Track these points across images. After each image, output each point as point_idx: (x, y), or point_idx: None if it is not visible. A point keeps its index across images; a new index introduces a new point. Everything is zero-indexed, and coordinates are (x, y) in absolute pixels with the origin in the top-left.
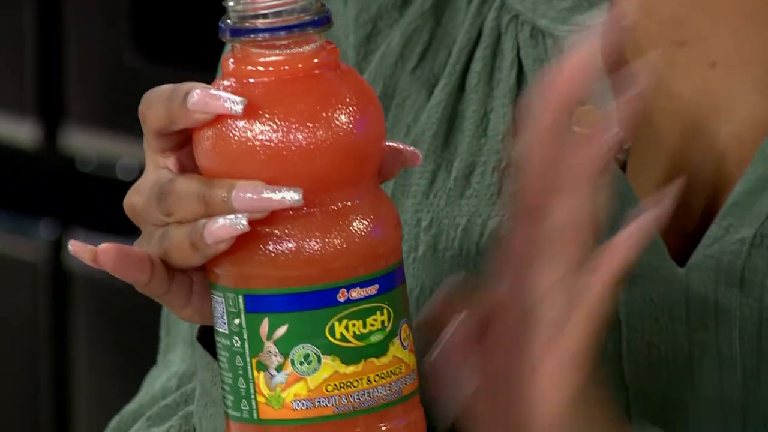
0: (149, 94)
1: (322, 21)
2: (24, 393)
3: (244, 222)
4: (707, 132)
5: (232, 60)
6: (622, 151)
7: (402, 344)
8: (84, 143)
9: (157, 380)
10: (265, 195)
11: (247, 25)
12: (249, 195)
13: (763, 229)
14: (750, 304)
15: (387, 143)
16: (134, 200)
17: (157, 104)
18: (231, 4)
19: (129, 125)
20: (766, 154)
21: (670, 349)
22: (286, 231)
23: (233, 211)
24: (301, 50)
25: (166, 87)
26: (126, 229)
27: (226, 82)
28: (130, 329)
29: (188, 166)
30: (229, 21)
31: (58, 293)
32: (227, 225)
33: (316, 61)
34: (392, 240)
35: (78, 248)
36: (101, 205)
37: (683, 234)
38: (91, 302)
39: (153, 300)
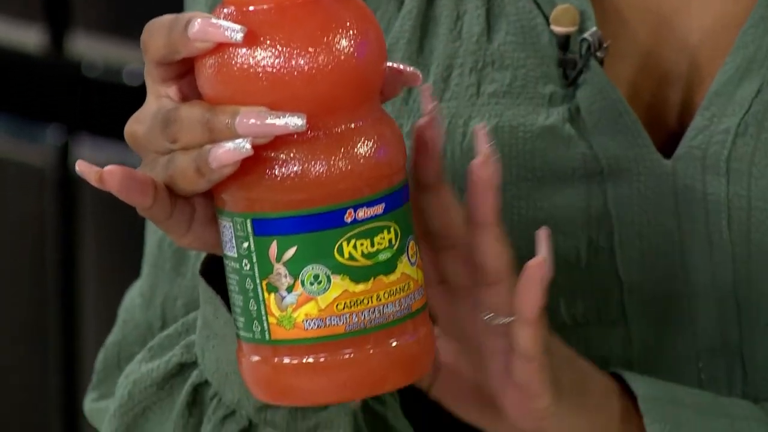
0: (150, 24)
1: None
2: (31, 297)
3: (248, 146)
4: (678, 27)
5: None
6: (602, 48)
7: (410, 261)
8: (90, 49)
9: (136, 309)
10: (269, 120)
11: None
12: (253, 121)
13: (747, 118)
14: (737, 192)
15: (388, 64)
16: (135, 129)
17: (159, 34)
18: None
19: (135, 31)
20: (744, 42)
21: (661, 241)
22: (292, 154)
23: (237, 137)
24: None
25: (167, 17)
26: None
27: (226, 10)
28: (136, 233)
29: (189, 95)
30: None
31: (65, 198)
32: (231, 149)
33: None
34: (396, 159)
35: (84, 168)
36: (107, 110)
37: (666, 127)
38: (97, 207)
39: None
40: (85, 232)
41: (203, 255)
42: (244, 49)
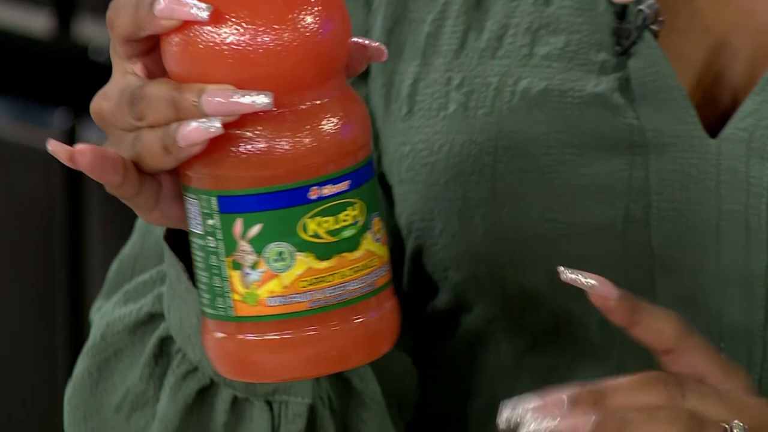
0: (116, 1)
1: None
2: (38, 281)
3: (218, 125)
4: (745, 6)
5: None
6: (657, 21)
7: (374, 237)
8: (97, 33)
9: None
10: (234, 99)
11: None
12: (218, 99)
13: None
14: None
15: (353, 39)
16: (103, 105)
17: (125, 11)
18: None
19: None
20: None
21: (698, 218)
22: (257, 132)
23: (204, 116)
24: None
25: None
26: None
27: None
28: None
29: (155, 72)
30: None
31: (72, 181)
32: (201, 128)
33: None
34: (362, 136)
35: (56, 148)
36: None
37: (717, 106)
38: (103, 190)
39: None
40: (92, 215)
41: None
42: (209, 27)
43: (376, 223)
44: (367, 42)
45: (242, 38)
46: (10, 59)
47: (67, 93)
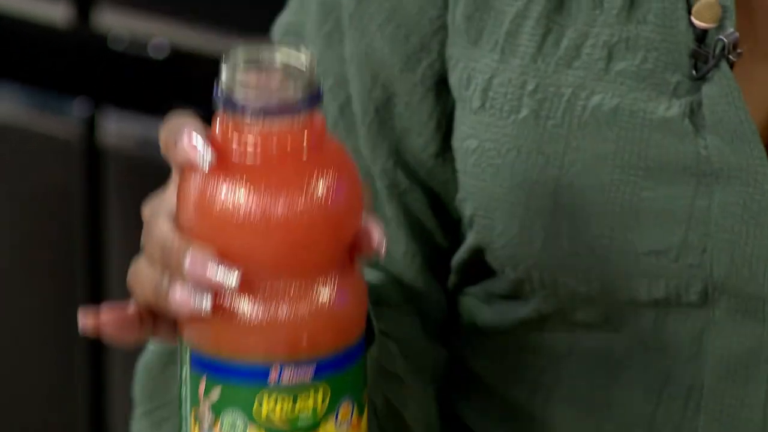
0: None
1: (313, 101)
2: (58, 269)
3: (208, 308)
4: None
5: (219, 129)
6: (735, 52)
7: (337, 425)
8: (117, 22)
9: None
10: (207, 267)
11: (236, 100)
12: (196, 266)
13: None
14: None
15: (365, 223)
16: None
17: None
18: (223, 78)
19: (161, 4)
20: None
21: (755, 252)
22: (230, 301)
23: (183, 275)
24: (287, 129)
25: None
26: (155, 108)
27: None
28: None
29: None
30: (221, 90)
31: (92, 170)
32: (191, 303)
33: (298, 142)
34: (336, 328)
35: (84, 320)
36: (133, 83)
37: None
38: (124, 179)
39: None
40: (111, 205)
41: None
42: (223, 194)
43: (344, 408)
44: (374, 232)
45: (236, 215)
46: (29, 48)
47: (87, 82)
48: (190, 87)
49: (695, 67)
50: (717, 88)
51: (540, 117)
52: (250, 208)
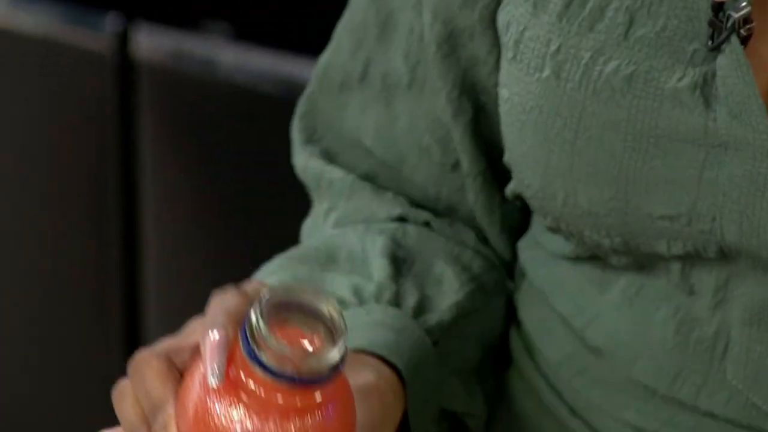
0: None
1: (330, 377)
2: (90, 181)
3: None
4: None
5: (238, 358)
6: (746, 27)
7: None
8: None
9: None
10: None
11: (261, 359)
12: None
13: None
14: None
15: None
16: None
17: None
18: (252, 327)
19: None
20: None
21: (762, 223)
22: None
23: None
24: (304, 392)
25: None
26: (186, 22)
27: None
28: (195, 118)
29: None
30: (247, 338)
31: (125, 84)
32: None
33: (311, 404)
34: None
35: None
36: None
37: None
38: (156, 92)
39: (218, 89)
40: (144, 117)
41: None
42: (209, 414)
43: None
44: None
45: None
46: None
47: None
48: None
49: (712, 37)
50: (728, 61)
51: (560, 79)
52: None
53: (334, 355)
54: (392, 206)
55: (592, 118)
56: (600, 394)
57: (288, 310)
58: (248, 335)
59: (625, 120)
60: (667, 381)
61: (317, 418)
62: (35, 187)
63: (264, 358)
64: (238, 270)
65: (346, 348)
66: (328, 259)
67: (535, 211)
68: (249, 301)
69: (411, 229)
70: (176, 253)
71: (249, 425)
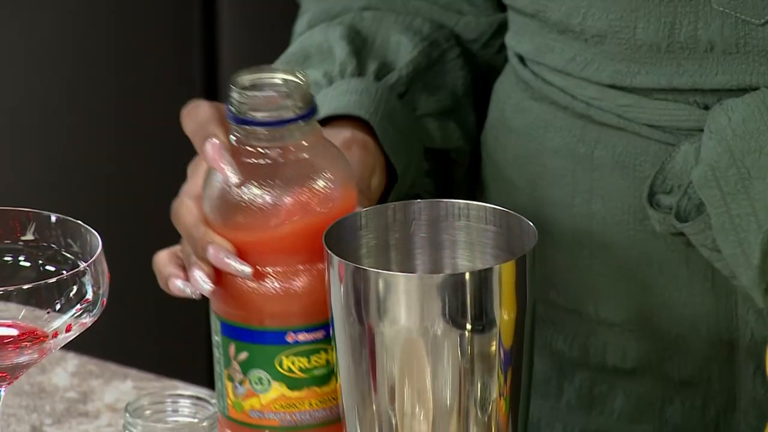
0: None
1: (310, 114)
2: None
3: (207, 288)
4: None
5: (234, 138)
6: None
7: None
8: None
9: None
10: (226, 260)
11: (247, 116)
12: (217, 255)
13: None
14: None
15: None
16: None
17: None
18: (234, 96)
19: None
20: None
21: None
22: (248, 284)
23: (208, 259)
24: (290, 140)
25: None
26: None
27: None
28: None
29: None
30: (232, 109)
31: None
32: (199, 282)
33: (299, 149)
34: None
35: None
36: None
37: None
38: None
39: None
40: None
41: None
42: (241, 198)
43: None
44: None
45: (252, 218)
46: None
47: None
48: None
49: None
50: None
51: None
52: (264, 204)
53: (304, 88)
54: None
55: None
56: (610, 71)
57: (262, 84)
58: (235, 106)
59: None
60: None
61: (313, 164)
62: None
63: (250, 116)
64: None
65: (313, 98)
66: (305, 59)
67: None
68: (215, 105)
69: (367, 14)
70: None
71: (268, 197)
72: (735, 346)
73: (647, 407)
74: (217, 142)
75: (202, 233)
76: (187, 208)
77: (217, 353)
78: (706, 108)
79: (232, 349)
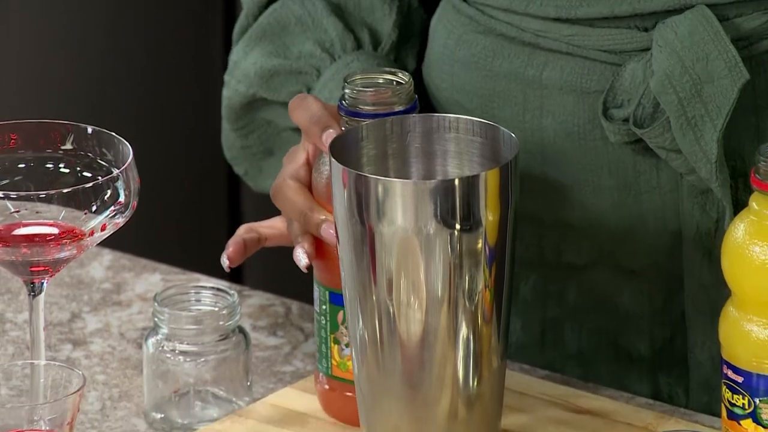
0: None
1: (412, 109)
2: None
3: (304, 263)
4: None
5: (343, 130)
6: None
7: None
8: None
9: None
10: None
11: (359, 110)
12: (328, 231)
13: None
14: None
15: None
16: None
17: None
18: (347, 92)
19: None
20: None
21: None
22: None
23: (319, 234)
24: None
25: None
26: None
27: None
28: None
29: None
30: (344, 102)
31: None
32: (299, 257)
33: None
34: None
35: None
36: None
37: None
38: None
39: None
40: None
41: None
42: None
43: None
44: None
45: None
46: None
47: None
48: None
49: None
50: None
51: None
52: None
53: (406, 86)
54: None
55: None
56: (553, 6)
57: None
58: (346, 105)
59: None
60: None
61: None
62: None
63: (361, 109)
64: None
65: (415, 95)
66: (282, 29)
67: None
68: (320, 100)
69: None
70: None
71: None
72: (680, 236)
73: (599, 297)
74: (333, 132)
75: (316, 212)
76: (295, 191)
77: (323, 320)
78: (646, 30)
79: (340, 315)
